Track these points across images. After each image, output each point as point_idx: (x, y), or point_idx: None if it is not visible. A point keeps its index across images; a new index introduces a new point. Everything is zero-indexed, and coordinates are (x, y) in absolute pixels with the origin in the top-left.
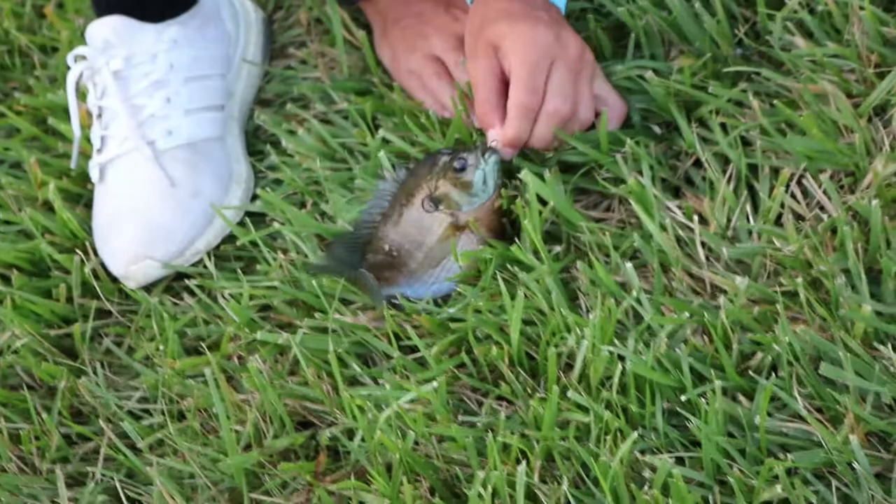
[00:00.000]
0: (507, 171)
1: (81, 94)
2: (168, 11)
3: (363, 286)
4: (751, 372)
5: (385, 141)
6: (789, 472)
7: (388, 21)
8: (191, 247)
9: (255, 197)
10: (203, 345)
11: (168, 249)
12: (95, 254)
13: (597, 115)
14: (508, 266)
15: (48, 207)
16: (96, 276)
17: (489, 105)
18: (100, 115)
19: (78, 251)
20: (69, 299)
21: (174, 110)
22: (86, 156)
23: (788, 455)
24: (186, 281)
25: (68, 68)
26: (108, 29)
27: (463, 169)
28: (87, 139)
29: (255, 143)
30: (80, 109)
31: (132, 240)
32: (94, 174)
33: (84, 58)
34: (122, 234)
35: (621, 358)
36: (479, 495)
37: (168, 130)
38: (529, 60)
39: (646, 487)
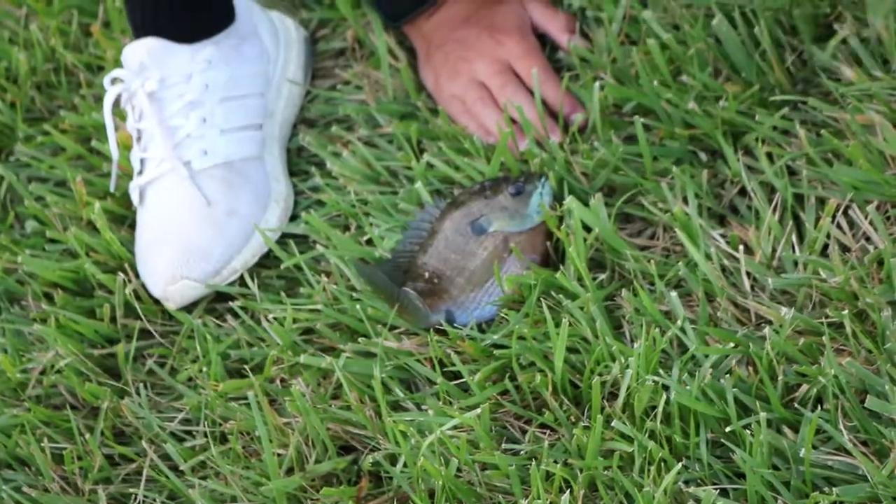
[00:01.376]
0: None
1: (121, 117)
2: (202, 32)
3: (408, 306)
4: (796, 404)
5: (429, 165)
6: None
7: (431, 45)
8: (227, 266)
9: (295, 218)
10: (246, 367)
11: (205, 269)
12: (137, 275)
13: None
14: (553, 293)
15: (93, 227)
16: (138, 298)
17: None
18: (139, 138)
19: (121, 272)
20: (112, 319)
21: (210, 130)
22: (129, 176)
23: (834, 489)
24: (230, 303)
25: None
26: (142, 51)
27: (519, 193)
28: (129, 160)
29: (299, 163)
30: (121, 132)
31: (169, 261)
32: (134, 197)
33: (121, 80)
34: (160, 255)
35: (665, 388)
36: None
37: (203, 150)
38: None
39: None
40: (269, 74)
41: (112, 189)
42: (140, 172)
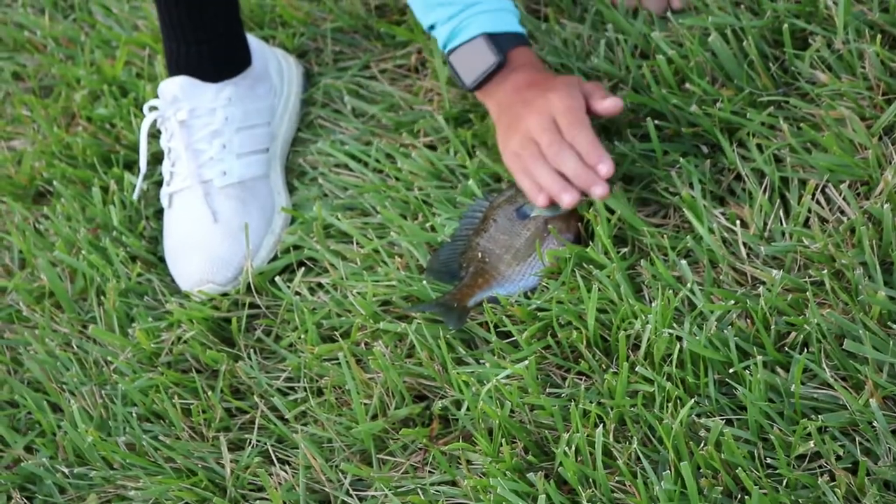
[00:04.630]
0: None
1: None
2: (224, 74)
3: (442, 314)
4: (786, 348)
5: (482, 164)
6: (820, 430)
7: (501, 107)
8: (243, 272)
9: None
10: (336, 333)
11: (226, 276)
12: None
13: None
14: (584, 265)
15: None
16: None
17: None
18: (169, 154)
19: None
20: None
21: (228, 154)
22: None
23: (819, 416)
24: (321, 280)
25: (144, 116)
26: (176, 86)
27: None
28: None
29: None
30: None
31: (198, 269)
32: (164, 202)
33: (156, 108)
34: (188, 261)
35: (679, 339)
36: (565, 453)
37: (223, 171)
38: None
39: (702, 445)
40: (275, 106)
41: (135, 197)
42: (168, 183)
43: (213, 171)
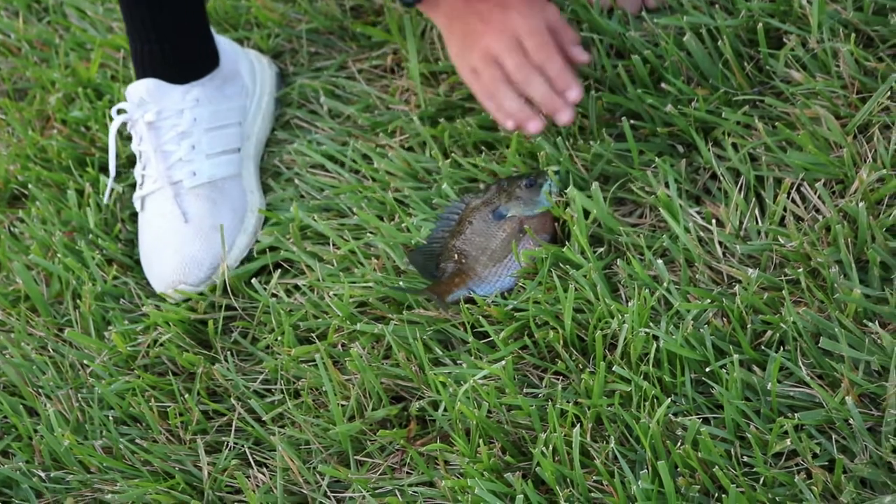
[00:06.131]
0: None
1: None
2: (191, 75)
3: (434, 300)
4: (763, 346)
5: (457, 164)
6: (797, 428)
7: (451, 18)
8: (216, 272)
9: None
10: (313, 335)
11: (198, 276)
12: None
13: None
14: (560, 265)
15: None
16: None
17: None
18: (140, 157)
19: None
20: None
21: (197, 155)
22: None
23: (796, 414)
24: (298, 281)
25: (111, 119)
26: (143, 89)
27: (531, 185)
28: None
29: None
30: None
31: (170, 270)
32: (137, 205)
33: (125, 111)
34: (161, 263)
35: (656, 338)
36: (542, 453)
37: (193, 172)
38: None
39: (679, 444)
40: (247, 107)
41: (106, 201)
42: (140, 186)
43: (183, 172)
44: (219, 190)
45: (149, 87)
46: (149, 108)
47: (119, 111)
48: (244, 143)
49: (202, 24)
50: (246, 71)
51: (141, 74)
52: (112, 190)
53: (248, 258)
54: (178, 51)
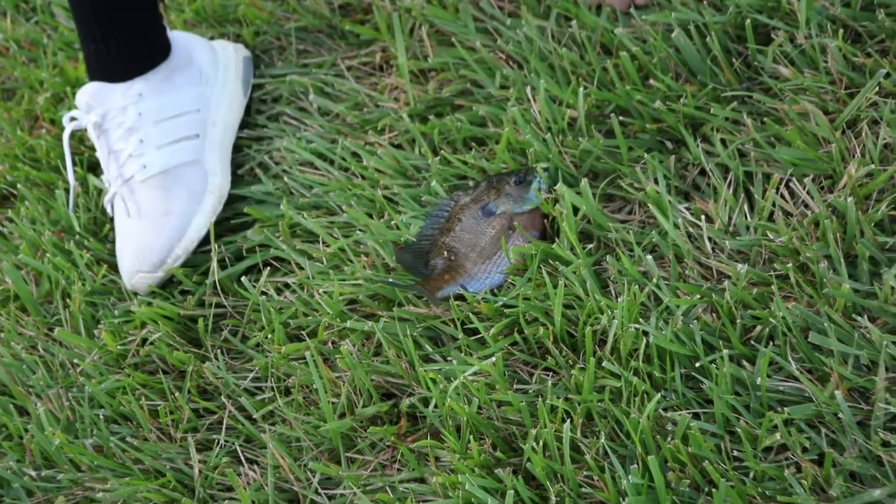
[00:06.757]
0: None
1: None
2: (133, 70)
3: (424, 295)
4: (752, 341)
5: (446, 161)
6: (786, 422)
7: None
8: (170, 255)
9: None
10: (303, 333)
11: (152, 261)
12: None
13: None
14: (550, 261)
15: None
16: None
17: None
18: (101, 164)
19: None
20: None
21: (147, 148)
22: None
23: (785, 409)
24: (287, 279)
25: (63, 128)
26: (87, 94)
27: (521, 182)
28: None
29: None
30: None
31: (128, 262)
32: (108, 210)
33: (75, 118)
34: (123, 259)
35: (645, 333)
36: (533, 449)
37: (143, 165)
38: None
39: (669, 438)
40: (207, 94)
41: (70, 211)
42: (107, 191)
43: (134, 167)
44: (172, 178)
45: (91, 91)
46: (95, 111)
47: (72, 118)
48: (208, 130)
49: (149, 19)
50: (204, 59)
51: (90, 76)
52: (77, 197)
53: (238, 256)
54: (122, 48)
